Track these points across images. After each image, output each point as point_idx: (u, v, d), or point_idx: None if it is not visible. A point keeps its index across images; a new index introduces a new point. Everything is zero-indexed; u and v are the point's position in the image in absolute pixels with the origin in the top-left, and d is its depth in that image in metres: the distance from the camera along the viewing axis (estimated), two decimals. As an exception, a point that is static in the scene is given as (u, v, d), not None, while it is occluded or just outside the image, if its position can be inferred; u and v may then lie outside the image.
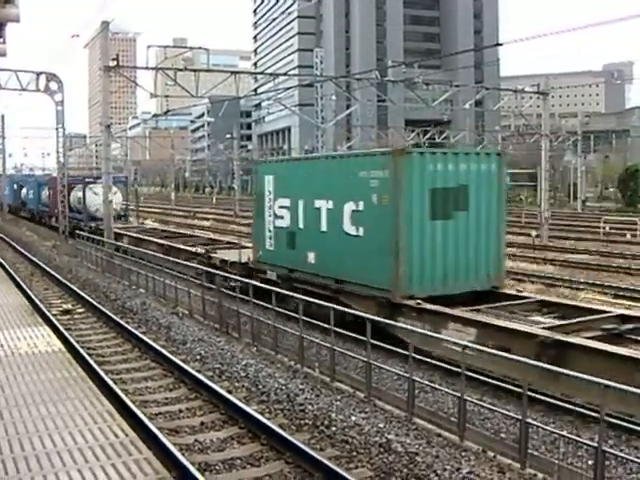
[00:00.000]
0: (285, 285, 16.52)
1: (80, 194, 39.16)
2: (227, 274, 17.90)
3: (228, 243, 27.02)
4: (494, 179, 15.09)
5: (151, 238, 30.10)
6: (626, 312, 13.67)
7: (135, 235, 31.50)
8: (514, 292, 15.72)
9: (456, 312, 13.06)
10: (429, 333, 11.72)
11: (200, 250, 23.93)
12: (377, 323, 11.67)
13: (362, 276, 14.82)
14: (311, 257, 16.70)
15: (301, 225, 17.13)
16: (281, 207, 17.94)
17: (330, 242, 15.99)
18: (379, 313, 13.35)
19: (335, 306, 12.53)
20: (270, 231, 18.46)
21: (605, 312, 13.27)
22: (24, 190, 57.30)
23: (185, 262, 21.58)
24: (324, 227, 16.16)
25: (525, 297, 14.98)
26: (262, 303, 14.69)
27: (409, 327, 11.72)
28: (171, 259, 22.19)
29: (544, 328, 11.83)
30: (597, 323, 12.38)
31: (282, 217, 17.87)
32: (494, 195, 15.09)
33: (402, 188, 13.90)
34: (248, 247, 21.70)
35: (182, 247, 25.79)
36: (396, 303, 14.01)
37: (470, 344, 10.28)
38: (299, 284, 16.70)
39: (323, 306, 12.73)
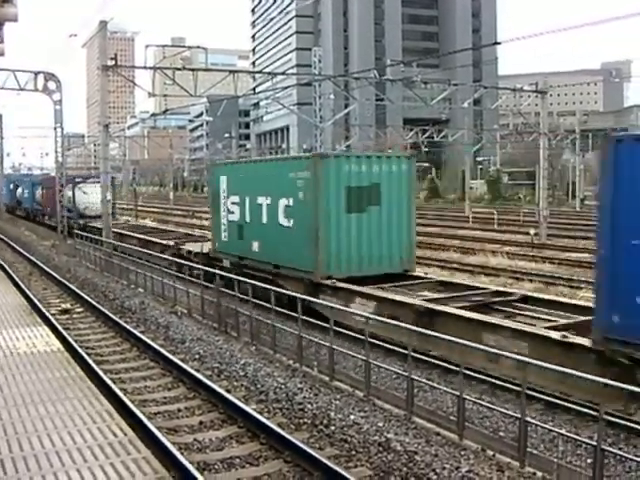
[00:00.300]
0: (236, 271, 18.93)
1: (70, 193, 40.07)
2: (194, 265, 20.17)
3: (199, 236, 29.71)
4: (404, 178, 17.50)
5: (131, 233, 32.75)
6: (500, 288, 16.61)
7: (118, 230, 33.10)
8: (422, 274, 18.29)
9: (361, 289, 15.53)
10: (332, 304, 13.63)
11: (171, 243, 26.94)
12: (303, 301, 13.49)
13: (293, 261, 17.42)
14: (255, 246, 19.25)
15: (247, 219, 19.73)
16: (232, 203, 20.61)
17: (269, 233, 18.55)
18: (305, 291, 15.86)
19: (332, 304, 12.59)
20: (224, 224, 21.11)
21: (484, 288, 16.02)
22: (19, 190, 58.72)
23: (154, 253, 24.47)
24: (264, 220, 18.75)
25: (428, 278, 17.63)
26: (262, 303, 14.72)
27: (324, 302, 14.23)
28: (145, 251, 25.03)
29: (423, 300, 14.15)
30: (470, 296, 14.80)
31: (233, 212, 20.52)
32: (404, 192, 17.48)
33: (321, 186, 16.54)
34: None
35: (156, 240, 28.70)
36: (317, 283, 16.53)
37: (371, 315, 12.12)
38: (247, 269, 19.15)
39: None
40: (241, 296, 15.32)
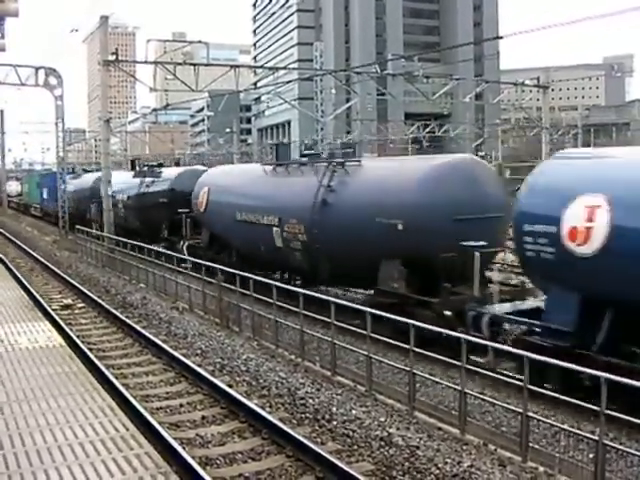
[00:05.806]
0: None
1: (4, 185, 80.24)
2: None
3: None
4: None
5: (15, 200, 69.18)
6: None
7: (16, 200, 71.85)
8: None
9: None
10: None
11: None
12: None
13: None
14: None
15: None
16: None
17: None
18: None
19: (335, 300, 12.58)
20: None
21: None
22: None
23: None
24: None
25: None
26: (263, 297, 14.72)
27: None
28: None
29: None
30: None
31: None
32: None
33: (31, 183, 61.06)
34: None
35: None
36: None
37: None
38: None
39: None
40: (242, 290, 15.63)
